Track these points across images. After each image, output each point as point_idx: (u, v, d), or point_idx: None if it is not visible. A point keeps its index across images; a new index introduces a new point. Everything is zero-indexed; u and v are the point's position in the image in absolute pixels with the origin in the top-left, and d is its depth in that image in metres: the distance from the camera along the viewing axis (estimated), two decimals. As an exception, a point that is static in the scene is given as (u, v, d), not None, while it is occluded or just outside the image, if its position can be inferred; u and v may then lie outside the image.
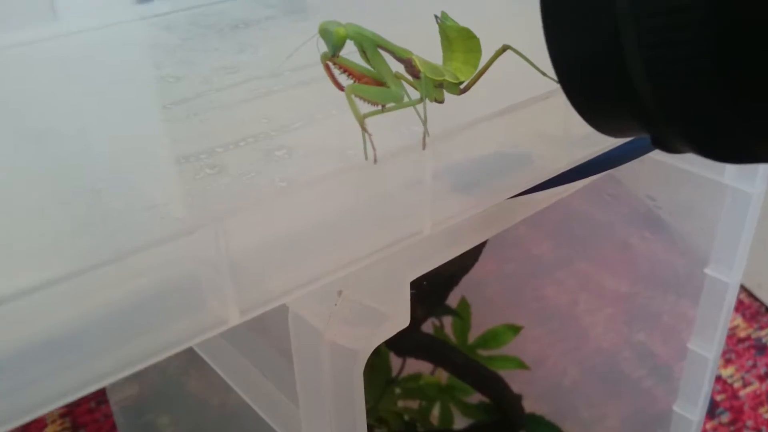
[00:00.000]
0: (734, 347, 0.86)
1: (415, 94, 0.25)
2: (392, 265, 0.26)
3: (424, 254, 0.27)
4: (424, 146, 0.23)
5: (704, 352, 0.50)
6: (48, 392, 0.18)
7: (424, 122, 0.23)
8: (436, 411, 0.67)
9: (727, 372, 0.84)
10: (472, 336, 0.68)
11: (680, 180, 0.48)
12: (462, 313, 0.66)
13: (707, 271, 0.48)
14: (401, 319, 0.27)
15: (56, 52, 0.42)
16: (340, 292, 0.25)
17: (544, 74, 0.25)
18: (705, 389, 0.53)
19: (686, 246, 0.56)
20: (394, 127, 0.27)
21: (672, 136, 0.19)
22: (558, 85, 0.26)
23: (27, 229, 0.24)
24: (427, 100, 0.24)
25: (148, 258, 0.19)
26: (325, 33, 0.22)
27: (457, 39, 0.25)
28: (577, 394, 0.73)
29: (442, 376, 0.67)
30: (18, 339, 0.18)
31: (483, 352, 0.67)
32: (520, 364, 0.66)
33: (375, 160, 0.22)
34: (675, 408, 0.56)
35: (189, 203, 0.25)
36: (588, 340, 0.71)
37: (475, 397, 0.67)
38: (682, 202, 0.53)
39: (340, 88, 0.23)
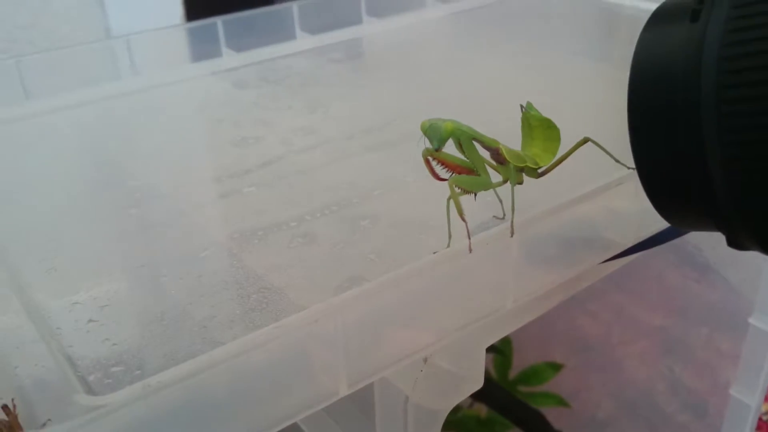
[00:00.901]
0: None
1: (497, 177, 0.27)
2: (471, 333, 0.28)
3: (500, 323, 0.29)
4: (512, 233, 0.25)
5: (746, 399, 0.52)
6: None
7: (513, 210, 0.25)
8: (475, 444, 0.69)
9: (763, 408, 0.84)
10: (512, 371, 0.69)
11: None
12: (504, 350, 0.68)
13: (752, 320, 0.50)
14: (477, 381, 0.29)
15: (135, 108, 0.44)
16: (425, 359, 0.27)
17: (618, 162, 0.28)
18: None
19: (721, 283, 0.58)
20: (470, 199, 0.29)
21: (744, 239, 0.21)
22: (630, 170, 0.28)
23: (146, 296, 0.27)
24: (512, 184, 0.26)
25: (266, 335, 0.21)
26: (430, 129, 0.25)
27: (539, 128, 0.28)
28: (612, 428, 0.73)
29: (481, 409, 0.69)
30: (160, 408, 0.20)
31: (524, 389, 0.68)
32: (561, 402, 0.68)
33: (470, 250, 0.24)
34: (717, 448, 0.57)
35: (288, 274, 0.28)
36: (622, 372, 0.72)
37: (514, 432, 0.69)
38: (728, 251, 0.55)
39: (438, 178, 0.26)
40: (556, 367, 0.67)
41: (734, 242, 0.22)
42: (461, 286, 0.25)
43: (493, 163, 0.27)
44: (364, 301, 0.23)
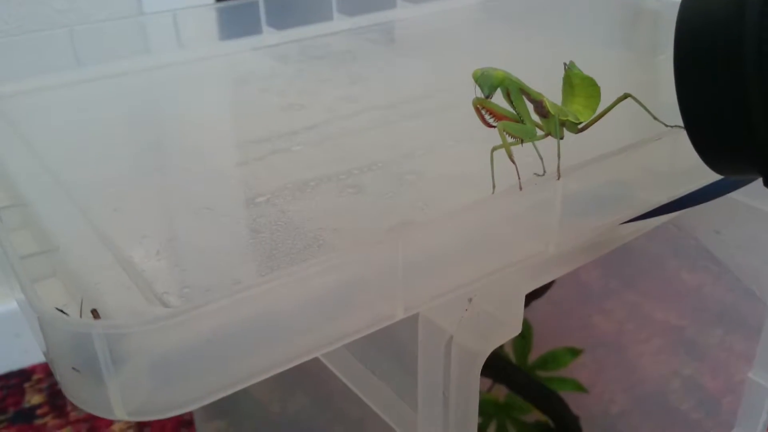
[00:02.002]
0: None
1: (540, 131, 0.29)
2: (511, 278, 0.30)
3: (539, 271, 0.30)
4: (558, 176, 0.26)
5: (765, 382, 0.53)
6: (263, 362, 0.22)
7: (558, 156, 0.27)
8: (492, 428, 0.70)
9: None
10: (530, 357, 0.71)
11: (746, 216, 0.51)
12: (525, 334, 0.70)
13: (773, 306, 0.51)
14: (515, 327, 0.31)
15: (185, 77, 0.46)
16: (470, 300, 0.29)
17: (656, 119, 0.29)
18: (764, 418, 0.55)
19: (734, 282, 0.59)
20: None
21: None
22: (667, 128, 0.29)
23: (209, 233, 0.28)
24: (556, 135, 0.28)
25: (335, 260, 0.23)
26: (482, 77, 0.26)
27: (581, 85, 0.29)
28: (624, 422, 0.74)
29: (500, 393, 0.70)
30: (240, 320, 0.22)
31: (542, 373, 0.70)
32: (578, 387, 0.69)
33: (520, 188, 0.26)
34: (731, 435, 0.58)
35: (341, 218, 0.29)
36: (636, 369, 0.73)
37: (531, 416, 0.70)
38: (745, 237, 0.56)
39: (488, 125, 0.27)
40: (575, 352, 0.69)
41: (770, 183, 0.23)
42: (508, 228, 0.27)
43: (537, 117, 0.29)
44: (420, 234, 0.24)
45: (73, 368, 0.20)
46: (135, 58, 0.47)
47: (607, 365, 0.74)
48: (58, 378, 0.21)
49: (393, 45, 0.54)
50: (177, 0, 0.83)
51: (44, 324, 0.20)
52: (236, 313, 0.21)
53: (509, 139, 0.26)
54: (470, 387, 0.30)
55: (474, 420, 0.32)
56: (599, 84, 0.29)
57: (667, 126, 0.29)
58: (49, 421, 0.75)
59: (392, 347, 0.34)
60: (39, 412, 0.76)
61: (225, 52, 0.49)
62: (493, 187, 0.28)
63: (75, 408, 0.76)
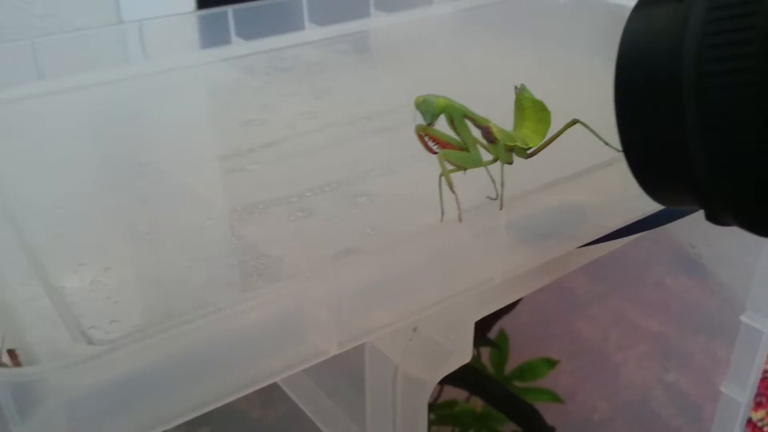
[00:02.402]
0: (765, 391, 0.87)
1: (488, 156, 0.28)
2: (460, 305, 0.29)
3: (490, 298, 0.30)
4: (501, 207, 0.26)
5: (737, 396, 0.53)
6: (183, 405, 0.22)
7: (502, 185, 0.26)
8: (469, 438, 0.70)
9: (757, 416, 0.85)
10: (507, 367, 0.70)
11: (720, 229, 0.51)
12: (500, 345, 0.69)
13: (743, 318, 0.50)
14: (465, 355, 0.30)
15: (148, 90, 0.46)
16: (415, 329, 0.28)
17: (607, 144, 0.28)
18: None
19: (719, 288, 0.58)
20: (466, 182, 0.30)
21: (722, 213, 0.22)
22: (619, 153, 0.29)
23: (149, 260, 0.28)
24: (502, 163, 0.27)
25: (265, 295, 0.22)
26: (423, 105, 0.26)
27: (531, 109, 0.29)
28: (606, 430, 0.74)
29: (477, 404, 0.70)
30: (156, 361, 0.21)
31: (518, 384, 0.69)
32: (555, 398, 0.68)
33: (460, 219, 0.25)
34: (703, 450, 0.58)
35: (286, 245, 0.29)
36: (619, 376, 0.73)
37: (509, 427, 0.69)
38: (721, 249, 0.56)
39: (433, 152, 0.27)
40: (551, 363, 0.68)
41: (712, 216, 0.23)
42: (452, 258, 0.26)
43: (484, 142, 0.28)
44: (357, 267, 0.24)
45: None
46: (99, 70, 0.47)
47: (589, 372, 0.74)
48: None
49: (364, 56, 0.53)
50: (157, 7, 0.83)
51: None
52: (159, 353, 0.21)
53: (449, 167, 0.26)
54: (418, 416, 0.30)
55: (424, 447, 0.31)
56: (573, 97, 0.29)
57: (618, 151, 0.29)
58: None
59: (343, 368, 0.33)
60: None
61: (190, 64, 0.49)
62: (442, 213, 0.28)
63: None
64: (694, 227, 0.56)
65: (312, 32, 0.54)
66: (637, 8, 0.23)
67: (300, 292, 0.23)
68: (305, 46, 0.53)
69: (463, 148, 0.27)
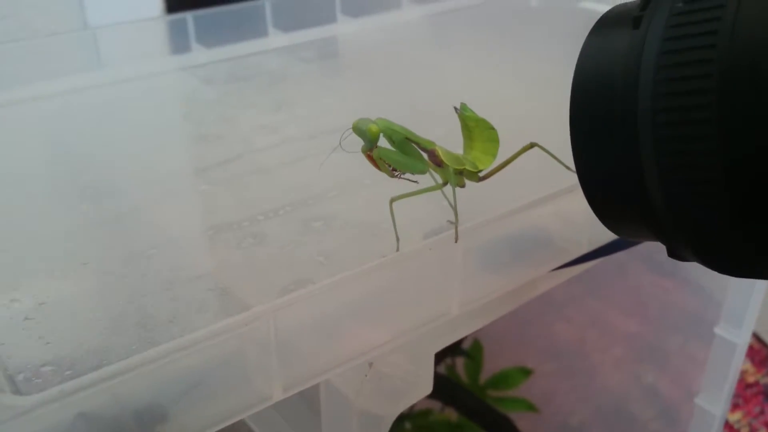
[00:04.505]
0: (742, 393, 0.87)
1: (439, 179, 0.27)
2: (418, 338, 0.28)
3: (448, 329, 0.28)
4: (456, 239, 0.24)
5: (712, 408, 0.52)
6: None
7: (455, 214, 0.25)
8: (445, 448, 0.69)
9: (734, 417, 0.84)
10: (483, 374, 0.69)
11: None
12: (474, 355, 0.68)
13: (717, 330, 0.50)
14: (425, 387, 0.29)
15: (100, 102, 0.44)
16: (370, 364, 0.27)
17: (568, 168, 0.27)
18: (711, 440, 0.54)
19: (697, 290, 0.58)
20: (428, 204, 0.29)
21: (682, 250, 0.21)
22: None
23: (87, 294, 0.26)
24: (453, 187, 0.26)
25: (202, 337, 0.21)
26: (358, 131, 0.25)
27: (476, 129, 0.27)
28: (584, 433, 0.73)
29: (452, 413, 0.69)
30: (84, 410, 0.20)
31: (493, 393, 0.68)
32: (530, 407, 0.67)
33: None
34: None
35: (235, 274, 0.27)
36: (596, 379, 0.72)
37: (484, 438, 0.68)
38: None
39: (386, 172, 0.25)
40: (526, 372, 0.67)
41: (674, 253, 0.22)
42: (406, 290, 0.25)
43: (434, 166, 0.27)
44: (303, 304, 0.22)
45: None
46: (48, 80, 0.45)
47: (566, 375, 0.73)
48: None
49: (329, 63, 0.52)
50: (123, 12, 0.81)
51: None
52: (94, 402, 0.19)
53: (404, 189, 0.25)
54: (377, 451, 0.28)
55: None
56: (545, 104, 0.27)
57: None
58: None
59: (306, 398, 0.32)
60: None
61: (147, 73, 0.47)
62: (397, 240, 0.26)
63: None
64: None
65: (276, 39, 0.53)
66: (593, 32, 0.21)
67: (240, 333, 0.21)
68: (268, 53, 0.51)
69: (411, 169, 0.25)
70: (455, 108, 0.27)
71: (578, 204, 0.28)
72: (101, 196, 0.33)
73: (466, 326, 0.29)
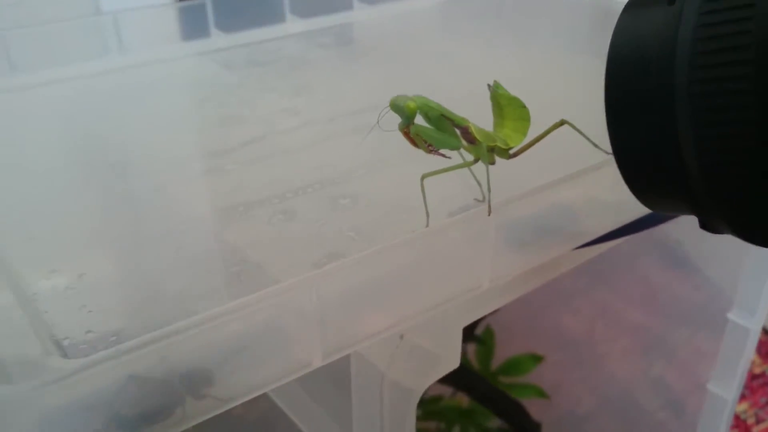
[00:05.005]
0: (749, 383, 0.88)
1: (469, 157, 0.28)
2: (447, 312, 0.28)
3: (477, 303, 0.29)
4: (489, 212, 0.25)
5: (724, 393, 0.52)
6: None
7: (488, 189, 0.25)
8: (455, 434, 0.69)
9: (740, 408, 0.85)
10: (493, 362, 0.70)
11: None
12: (487, 341, 0.69)
13: (730, 316, 0.50)
14: (452, 361, 0.29)
15: (121, 85, 0.44)
16: (401, 336, 0.27)
17: (596, 146, 0.28)
18: (722, 429, 0.55)
19: (704, 282, 0.58)
20: (453, 182, 0.29)
21: (717, 222, 0.21)
22: (608, 156, 0.28)
23: (125, 267, 0.27)
24: (486, 163, 0.26)
25: (243, 306, 0.21)
26: (396, 108, 0.25)
27: (508, 107, 0.28)
28: (591, 423, 0.74)
29: (463, 399, 0.69)
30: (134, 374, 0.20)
31: (504, 379, 0.69)
32: (541, 393, 0.68)
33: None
34: (687, 447, 0.58)
35: (267, 249, 0.28)
36: (603, 369, 0.72)
37: (495, 422, 0.69)
38: (708, 246, 0.55)
39: (423, 148, 0.26)
40: (537, 359, 0.68)
41: (707, 225, 0.22)
42: (439, 264, 0.26)
43: (465, 143, 0.27)
44: (340, 276, 0.23)
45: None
46: (73, 64, 0.45)
47: (574, 366, 0.74)
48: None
49: (346, 50, 0.52)
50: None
51: None
52: (136, 366, 0.20)
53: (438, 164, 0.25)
54: (405, 424, 0.29)
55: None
56: (560, 94, 0.28)
57: (607, 154, 0.28)
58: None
59: (329, 371, 0.32)
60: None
61: (168, 57, 0.47)
62: (427, 216, 0.27)
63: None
64: (681, 224, 0.56)
65: (293, 25, 0.53)
66: (627, 10, 0.22)
67: (282, 301, 0.22)
68: (286, 39, 0.52)
69: (452, 147, 0.26)
70: (488, 85, 0.28)
71: (604, 182, 0.29)
72: (129, 175, 0.34)
73: (492, 302, 0.29)
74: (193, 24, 0.51)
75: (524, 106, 0.27)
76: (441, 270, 0.26)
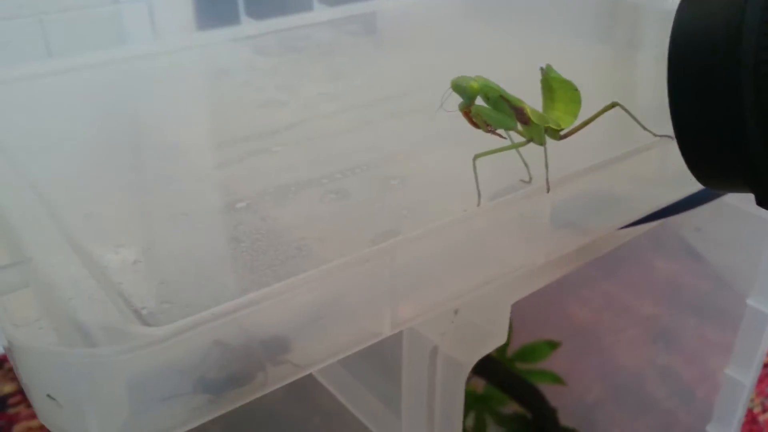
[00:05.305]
0: (755, 372, 0.88)
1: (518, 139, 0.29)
2: (498, 289, 0.29)
3: (527, 280, 0.30)
4: (548, 189, 0.26)
5: (741, 378, 0.53)
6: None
7: (546, 167, 0.26)
8: (470, 420, 0.70)
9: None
10: (508, 349, 0.70)
11: (727, 214, 0.51)
12: (503, 327, 0.69)
13: (749, 301, 0.51)
14: (500, 337, 0.30)
15: (156, 70, 0.45)
16: (456, 311, 0.28)
17: (645, 129, 0.29)
18: (739, 414, 0.56)
19: (711, 271, 0.59)
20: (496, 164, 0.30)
21: None
22: (655, 138, 0.29)
23: (187, 242, 0.28)
24: (543, 143, 0.27)
25: (321, 276, 0.22)
26: (459, 88, 0.26)
27: (560, 89, 0.29)
28: (600, 411, 0.74)
29: (478, 385, 0.70)
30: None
31: (521, 365, 0.70)
32: (557, 379, 0.69)
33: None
34: (708, 430, 0.59)
35: (323, 227, 0.29)
36: (612, 358, 0.73)
37: (510, 408, 0.70)
38: (726, 234, 0.56)
39: (478, 128, 0.27)
40: (553, 345, 0.69)
41: (764, 202, 0.23)
42: (496, 240, 0.26)
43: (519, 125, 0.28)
44: (409, 247, 0.24)
45: (48, 396, 0.19)
46: (107, 49, 0.46)
47: (583, 355, 0.75)
48: (32, 402, 0.20)
49: (374, 38, 0.53)
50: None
51: (17, 349, 0.19)
52: (220, 333, 0.21)
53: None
54: (455, 397, 0.30)
55: (458, 428, 0.31)
56: (579, 82, 0.29)
57: (656, 136, 0.29)
58: (22, 410, 0.73)
59: (377, 353, 0.33)
60: (11, 401, 0.74)
61: (202, 43, 0.48)
62: (479, 195, 0.28)
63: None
64: (699, 212, 0.56)
65: (321, 13, 0.54)
66: None
67: (353, 274, 0.23)
68: (314, 26, 0.52)
69: (509, 127, 0.27)
70: (540, 68, 0.28)
71: (652, 163, 0.30)
72: (182, 154, 0.34)
73: (540, 278, 0.30)
74: (223, 11, 0.52)
75: (576, 89, 0.28)
76: (498, 246, 0.26)
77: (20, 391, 0.75)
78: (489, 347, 0.30)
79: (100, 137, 0.37)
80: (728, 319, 0.55)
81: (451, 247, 0.25)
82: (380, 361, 0.33)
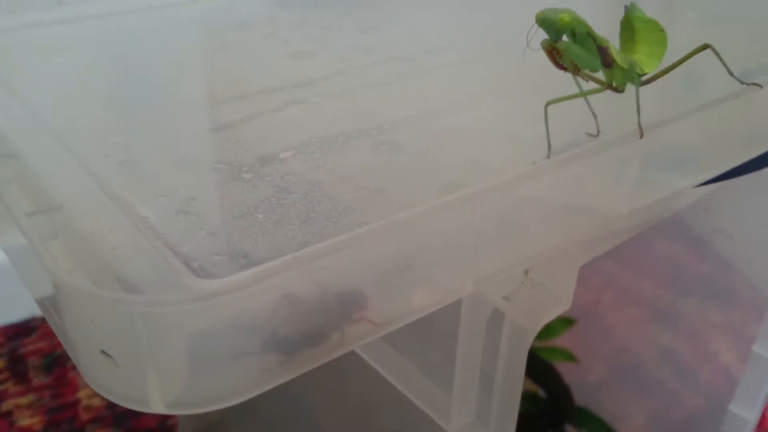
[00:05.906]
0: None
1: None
2: (567, 252, 0.27)
3: (594, 242, 0.27)
4: (641, 135, 0.23)
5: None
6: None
7: (638, 111, 0.24)
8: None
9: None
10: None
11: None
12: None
13: (755, 348, 0.51)
14: (565, 302, 0.28)
15: (177, 22, 0.42)
16: (527, 271, 0.26)
17: (732, 75, 0.26)
18: (765, 390, 0.54)
19: (711, 255, 0.58)
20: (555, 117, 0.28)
21: None
22: (743, 86, 0.27)
23: (233, 191, 0.25)
24: (636, 85, 0.25)
25: (400, 223, 0.20)
26: (546, 22, 0.23)
27: (644, 30, 0.26)
28: (602, 392, 0.73)
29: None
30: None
31: (535, 343, 0.68)
32: (569, 356, 0.67)
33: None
34: (731, 407, 0.57)
35: (381, 177, 0.26)
36: (613, 339, 0.72)
37: (523, 387, 0.68)
38: (741, 215, 0.55)
39: (561, 68, 0.24)
40: (569, 322, 0.67)
41: None
42: (581, 192, 0.24)
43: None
44: (497, 197, 0.21)
45: (103, 352, 0.16)
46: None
47: (584, 335, 0.73)
48: (77, 363, 0.18)
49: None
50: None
51: (69, 298, 0.16)
52: (292, 287, 0.18)
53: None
54: (517, 366, 0.28)
55: (517, 398, 0.29)
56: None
57: (743, 84, 0.27)
58: (10, 387, 0.70)
59: (423, 325, 0.31)
60: (-1, 377, 0.71)
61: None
62: (549, 146, 0.25)
63: (38, 374, 0.71)
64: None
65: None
66: None
67: (436, 223, 0.20)
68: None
69: (595, 68, 0.24)
70: (625, 6, 0.26)
71: (732, 117, 0.27)
72: (214, 104, 0.31)
73: (606, 241, 0.28)
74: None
75: (662, 30, 0.26)
76: (586, 194, 0.24)
77: (8, 368, 0.72)
78: (555, 312, 0.27)
79: (123, 87, 0.34)
80: (728, 298, 0.53)
81: (538, 196, 0.22)
82: (424, 328, 0.31)
